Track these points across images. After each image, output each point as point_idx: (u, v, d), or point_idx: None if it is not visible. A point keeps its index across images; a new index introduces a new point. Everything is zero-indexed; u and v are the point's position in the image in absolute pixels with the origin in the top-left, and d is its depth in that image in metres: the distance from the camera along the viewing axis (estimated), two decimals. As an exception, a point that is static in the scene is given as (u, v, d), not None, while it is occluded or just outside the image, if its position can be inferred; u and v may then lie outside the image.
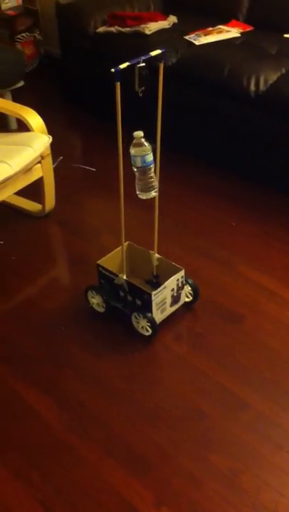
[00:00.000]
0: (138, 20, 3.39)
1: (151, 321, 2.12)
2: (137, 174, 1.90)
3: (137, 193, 1.94)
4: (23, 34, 4.06)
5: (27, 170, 2.53)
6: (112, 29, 3.37)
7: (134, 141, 1.86)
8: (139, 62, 1.71)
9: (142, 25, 3.33)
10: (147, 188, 1.94)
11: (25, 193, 2.67)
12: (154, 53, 1.81)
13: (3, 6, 4.04)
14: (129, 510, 1.63)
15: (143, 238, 2.31)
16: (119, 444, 1.81)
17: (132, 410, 1.90)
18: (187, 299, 2.30)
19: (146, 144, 1.85)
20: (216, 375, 2.01)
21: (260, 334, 2.17)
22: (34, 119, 2.63)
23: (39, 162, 2.61)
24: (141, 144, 1.86)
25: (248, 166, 3.05)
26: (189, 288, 2.27)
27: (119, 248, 2.22)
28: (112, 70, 1.68)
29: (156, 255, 2.24)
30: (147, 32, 3.28)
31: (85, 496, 1.67)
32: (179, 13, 3.55)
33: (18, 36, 4.03)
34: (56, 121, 3.71)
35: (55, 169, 2.78)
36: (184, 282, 2.21)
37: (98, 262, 2.20)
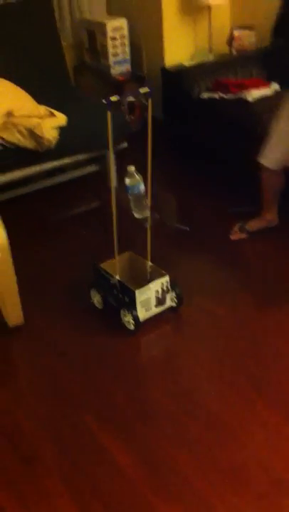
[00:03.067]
0: (241, 87, 3.49)
1: (135, 317, 2.43)
2: (132, 199, 2.38)
3: (134, 214, 2.42)
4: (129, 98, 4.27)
5: None
6: (216, 95, 3.49)
7: (128, 174, 2.35)
8: (128, 97, 2.15)
9: (245, 92, 3.42)
10: (141, 210, 2.43)
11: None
12: (142, 90, 2.20)
13: (113, 72, 4.28)
14: None
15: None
16: (201, 507, 1.79)
17: (210, 468, 1.88)
18: (173, 304, 2.56)
19: (137, 176, 2.35)
20: None
21: None
22: None
23: None
24: (133, 176, 2.37)
25: None
26: (174, 294, 2.54)
27: (120, 256, 2.58)
28: (104, 100, 2.02)
29: (149, 263, 2.56)
30: (250, 99, 3.37)
31: None
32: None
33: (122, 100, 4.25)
34: (156, 180, 3.84)
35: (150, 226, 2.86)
36: (169, 287, 2.50)
37: (100, 265, 2.57)
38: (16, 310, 2.54)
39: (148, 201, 2.29)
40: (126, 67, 4.33)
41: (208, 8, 4.18)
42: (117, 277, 2.50)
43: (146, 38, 4.33)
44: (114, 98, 2.01)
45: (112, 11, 4.53)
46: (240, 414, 2.09)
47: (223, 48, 4.26)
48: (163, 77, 4.03)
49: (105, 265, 2.59)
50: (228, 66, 3.84)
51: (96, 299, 2.65)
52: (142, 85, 4.28)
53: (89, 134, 3.45)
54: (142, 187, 2.37)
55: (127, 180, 2.39)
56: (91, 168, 3.74)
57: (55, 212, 3.52)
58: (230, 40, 4.17)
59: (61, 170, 3.63)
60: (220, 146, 3.52)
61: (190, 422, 2.07)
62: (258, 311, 2.61)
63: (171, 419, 2.09)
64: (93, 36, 4.28)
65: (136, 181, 2.37)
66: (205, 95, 3.56)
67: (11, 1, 4.04)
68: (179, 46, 4.23)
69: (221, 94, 3.48)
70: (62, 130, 3.35)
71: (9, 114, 3.32)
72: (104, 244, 2.59)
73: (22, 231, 3.33)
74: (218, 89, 3.55)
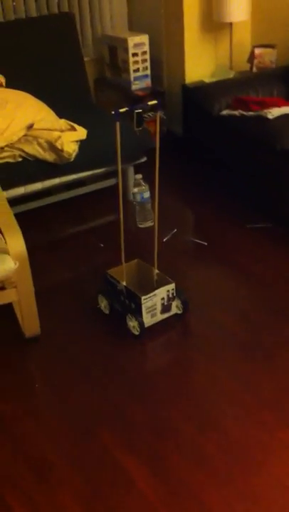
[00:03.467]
0: (261, 105, 3.50)
1: (140, 322, 2.51)
2: (137, 207, 2.51)
3: (138, 223, 2.51)
4: (149, 113, 4.29)
5: None
6: (236, 112, 3.50)
7: (135, 182, 2.50)
8: (137, 109, 2.18)
9: (265, 110, 3.43)
10: (145, 219, 2.52)
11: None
12: (150, 103, 2.31)
13: (133, 87, 4.31)
14: None
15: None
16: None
17: (231, 492, 1.86)
18: (178, 311, 2.63)
19: (143, 184, 2.44)
20: None
21: None
22: (15, 241, 2.38)
23: (11, 287, 2.41)
24: (140, 184, 2.50)
25: None
26: (179, 301, 2.61)
27: (127, 263, 2.66)
28: (113, 111, 2.14)
29: (156, 271, 2.62)
30: (270, 116, 3.37)
31: None
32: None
33: (144, 115, 4.27)
34: (173, 195, 3.86)
35: (167, 241, 2.86)
36: (175, 295, 2.57)
37: (107, 271, 2.64)
38: (34, 320, 2.54)
39: (152, 211, 2.44)
40: (146, 82, 4.36)
41: (230, 25, 4.20)
42: (124, 283, 2.57)
43: (167, 54, 4.37)
44: (122, 110, 2.16)
45: (134, 27, 4.57)
46: (256, 435, 2.07)
47: (244, 66, 4.28)
48: (183, 94, 4.05)
49: (113, 271, 2.66)
50: (248, 84, 3.85)
51: (103, 304, 2.73)
52: (161, 101, 4.35)
53: (108, 148, 3.46)
54: (148, 195, 2.54)
55: (134, 189, 2.55)
56: (109, 182, 3.76)
57: (73, 224, 3.53)
58: (251, 57, 4.19)
59: (80, 183, 3.65)
60: (239, 162, 3.52)
61: (206, 442, 2.05)
62: (270, 323, 2.60)
63: (188, 438, 2.07)
64: (114, 51, 4.32)
65: (142, 189, 2.53)
66: (225, 112, 3.57)
67: (34, 16, 4.10)
68: (200, 63, 4.26)
69: (242, 112, 3.49)
70: (82, 144, 3.38)
71: (30, 126, 3.35)
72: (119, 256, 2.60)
73: (38, 242, 3.35)
74: (238, 107, 3.55)
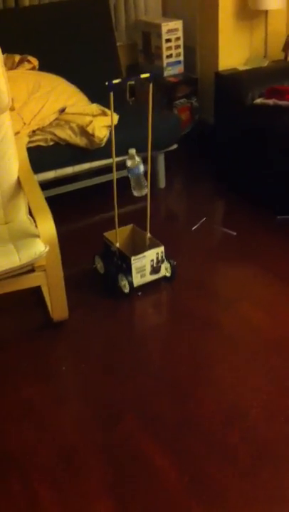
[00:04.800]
0: (296, 94, 3.44)
1: (130, 282, 2.71)
2: (132, 180, 2.65)
3: (133, 192, 2.68)
4: (181, 100, 4.26)
5: (10, 277, 2.35)
6: (270, 102, 3.44)
7: (129, 155, 2.63)
8: (130, 81, 2.45)
9: (300, 100, 3.37)
10: (140, 189, 2.68)
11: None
12: (143, 76, 2.42)
13: (166, 73, 4.28)
14: None
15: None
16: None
17: (256, 486, 1.85)
18: (167, 274, 2.83)
19: (137, 158, 2.62)
20: None
21: None
22: (46, 225, 2.39)
23: (40, 270, 2.41)
24: (134, 157, 2.63)
25: None
26: (169, 265, 2.80)
27: (122, 228, 2.86)
28: (106, 83, 2.29)
29: (148, 235, 2.80)
30: (305, 106, 3.32)
31: None
32: None
33: (176, 102, 4.24)
34: (203, 184, 3.84)
35: (195, 230, 2.85)
36: (164, 258, 2.76)
37: (104, 234, 2.84)
38: (62, 304, 2.55)
39: (145, 181, 2.68)
40: (179, 69, 4.32)
41: (265, 13, 4.14)
42: (117, 245, 2.76)
43: (201, 40, 4.31)
44: (116, 81, 2.33)
45: (168, 13, 4.53)
46: (284, 430, 2.05)
47: (279, 54, 4.21)
48: (216, 81, 4.00)
49: (108, 234, 2.86)
50: (283, 73, 3.78)
51: (99, 264, 2.94)
52: (194, 89, 4.31)
53: (139, 135, 3.45)
54: (142, 168, 2.66)
55: (128, 162, 2.66)
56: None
57: (100, 210, 3.52)
58: (287, 46, 4.12)
59: (108, 169, 3.64)
60: (271, 151, 3.47)
61: (232, 434, 2.05)
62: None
63: (213, 429, 2.07)
64: (148, 37, 4.28)
65: (136, 163, 2.65)
66: (258, 101, 3.52)
67: None
68: (234, 50, 4.20)
69: (276, 101, 3.44)
70: (113, 129, 3.35)
71: (62, 110, 3.34)
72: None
73: (66, 227, 3.35)
74: (272, 96, 3.50)
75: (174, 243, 3.16)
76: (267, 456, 1.94)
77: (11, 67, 3.53)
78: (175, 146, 3.67)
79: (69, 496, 1.85)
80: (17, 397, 2.25)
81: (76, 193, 3.55)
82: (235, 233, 3.24)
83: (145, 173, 2.68)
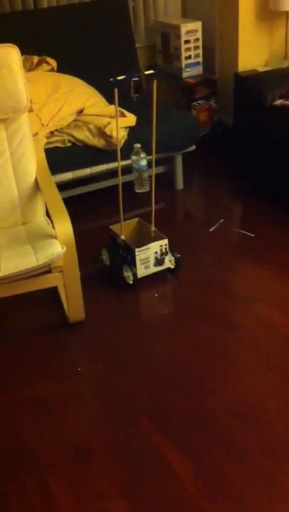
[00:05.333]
0: (316, 95, 3.41)
1: (134, 273, 2.79)
2: (135, 175, 2.78)
3: (135, 188, 2.83)
4: (200, 101, 4.24)
5: (27, 277, 2.36)
6: (289, 102, 3.42)
7: (134, 151, 2.75)
8: (134, 77, 2.64)
9: None
10: (142, 185, 2.81)
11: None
12: (147, 72, 2.57)
13: (184, 75, 4.26)
14: None
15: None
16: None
17: (272, 491, 1.82)
18: (171, 266, 2.90)
19: (142, 153, 2.74)
20: None
21: None
22: (63, 226, 2.40)
23: (57, 271, 2.41)
24: (139, 153, 2.74)
25: None
26: (173, 257, 2.89)
27: (128, 221, 2.95)
28: (111, 79, 2.41)
29: (153, 228, 2.89)
30: None
31: None
32: None
33: (195, 103, 4.22)
34: (221, 186, 3.81)
35: (213, 231, 2.84)
36: (167, 250, 2.84)
37: (110, 226, 2.92)
38: (78, 305, 2.55)
39: (148, 178, 2.80)
40: (198, 70, 4.30)
41: (286, 14, 4.11)
42: (122, 237, 2.84)
43: (220, 41, 4.29)
44: (120, 77, 2.43)
45: (187, 14, 4.51)
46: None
47: (299, 55, 4.18)
48: (236, 82, 3.97)
49: (114, 227, 2.93)
50: (303, 74, 3.75)
51: (105, 256, 3.02)
52: (212, 90, 4.29)
53: (157, 136, 3.44)
54: (145, 164, 2.78)
55: (133, 158, 2.77)
56: (156, 170, 3.72)
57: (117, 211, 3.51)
58: (307, 47, 4.09)
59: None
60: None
61: (249, 436, 2.02)
62: None
63: (229, 431, 2.05)
64: (167, 38, 4.27)
65: (140, 158, 2.75)
66: (278, 102, 3.49)
67: (87, 0, 4.08)
68: (254, 52, 4.17)
69: (295, 102, 3.41)
70: (130, 130, 3.35)
71: (80, 112, 3.34)
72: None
73: (84, 229, 3.35)
74: (292, 97, 3.47)
75: (192, 244, 3.14)
76: (284, 459, 1.92)
77: (29, 68, 3.54)
78: (193, 147, 3.65)
79: (82, 495, 1.85)
80: (32, 394, 2.26)
81: (93, 194, 3.55)
82: (253, 235, 3.21)
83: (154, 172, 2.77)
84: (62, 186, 3.10)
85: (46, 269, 2.39)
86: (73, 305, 2.54)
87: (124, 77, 2.45)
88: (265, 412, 2.11)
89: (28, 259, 2.33)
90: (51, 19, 3.85)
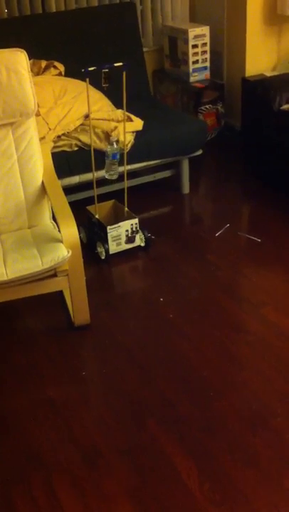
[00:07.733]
0: None
1: (106, 249, 3.03)
2: (107, 163, 3.00)
3: (105, 174, 3.07)
4: (207, 106, 4.24)
5: (33, 281, 2.36)
6: (297, 107, 3.42)
7: (110, 141, 2.95)
8: (104, 68, 2.74)
9: None
10: (112, 173, 3.04)
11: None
12: (116, 64, 2.73)
13: (192, 79, 4.26)
14: None
15: None
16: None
17: (279, 496, 1.81)
18: (141, 244, 3.14)
19: (115, 145, 2.94)
20: None
21: None
22: (69, 230, 2.40)
23: (63, 275, 2.40)
24: (113, 144, 2.94)
25: None
26: (143, 235, 3.11)
27: (104, 202, 3.22)
28: (83, 70, 2.66)
29: (126, 208, 3.13)
30: None
31: None
32: None
33: (202, 107, 4.22)
34: (228, 190, 3.81)
35: (219, 236, 2.83)
36: (138, 229, 3.07)
37: (86, 207, 3.15)
38: (84, 309, 2.55)
39: (117, 167, 3.04)
40: (205, 74, 4.30)
41: (294, 18, 4.11)
42: (97, 216, 3.06)
43: (228, 46, 4.29)
44: (91, 68, 2.65)
45: (195, 18, 4.52)
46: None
47: (307, 60, 4.18)
48: (243, 87, 3.98)
49: (90, 208, 3.16)
50: (310, 78, 3.75)
51: (82, 234, 3.21)
52: (220, 94, 4.29)
53: (164, 140, 3.44)
54: (118, 156, 2.97)
55: (109, 148, 2.95)
56: (163, 174, 3.73)
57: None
58: (315, 51, 4.09)
59: (132, 174, 3.64)
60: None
61: (257, 441, 2.02)
62: None
63: (237, 435, 2.04)
64: (174, 43, 4.28)
65: (115, 149, 2.94)
66: (286, 106, 3.49)
67: (95, 5, 4.09)
68: (261, 56, 4.17)
69: (303, 107, 3.41)
70: (137, 135, 3.36)
71: (87, 116, 3.35)
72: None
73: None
74: (299, 101, 3.47)
75: (199, 248, 3.13)
76: (289, 468, 1.91)
77: (37, 72, 3.55)
78: (200, 151, 3.65)
79: (90, 498, 1.85)
80: (40, 397, 2.26)
81: (99, 197, 3.55)
82: (259, 240, 3.20)
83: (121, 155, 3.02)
84: (68, 190, 3.11)
85: (52, 273, 2.39)
86: (79, 309, 2.54)
87: (94, 68, 2.69)
88: (273, 416, 2.10)
89: (33, 263, 2.34)
90: (59, 23, 3.86)
